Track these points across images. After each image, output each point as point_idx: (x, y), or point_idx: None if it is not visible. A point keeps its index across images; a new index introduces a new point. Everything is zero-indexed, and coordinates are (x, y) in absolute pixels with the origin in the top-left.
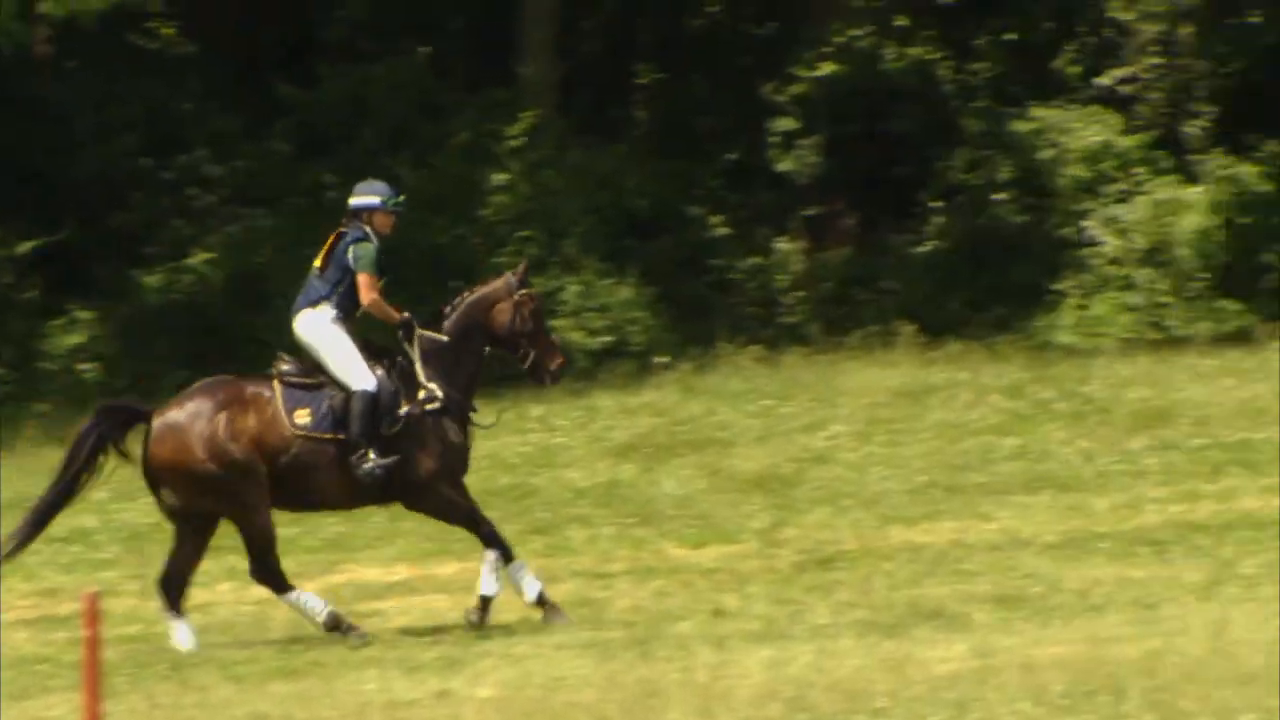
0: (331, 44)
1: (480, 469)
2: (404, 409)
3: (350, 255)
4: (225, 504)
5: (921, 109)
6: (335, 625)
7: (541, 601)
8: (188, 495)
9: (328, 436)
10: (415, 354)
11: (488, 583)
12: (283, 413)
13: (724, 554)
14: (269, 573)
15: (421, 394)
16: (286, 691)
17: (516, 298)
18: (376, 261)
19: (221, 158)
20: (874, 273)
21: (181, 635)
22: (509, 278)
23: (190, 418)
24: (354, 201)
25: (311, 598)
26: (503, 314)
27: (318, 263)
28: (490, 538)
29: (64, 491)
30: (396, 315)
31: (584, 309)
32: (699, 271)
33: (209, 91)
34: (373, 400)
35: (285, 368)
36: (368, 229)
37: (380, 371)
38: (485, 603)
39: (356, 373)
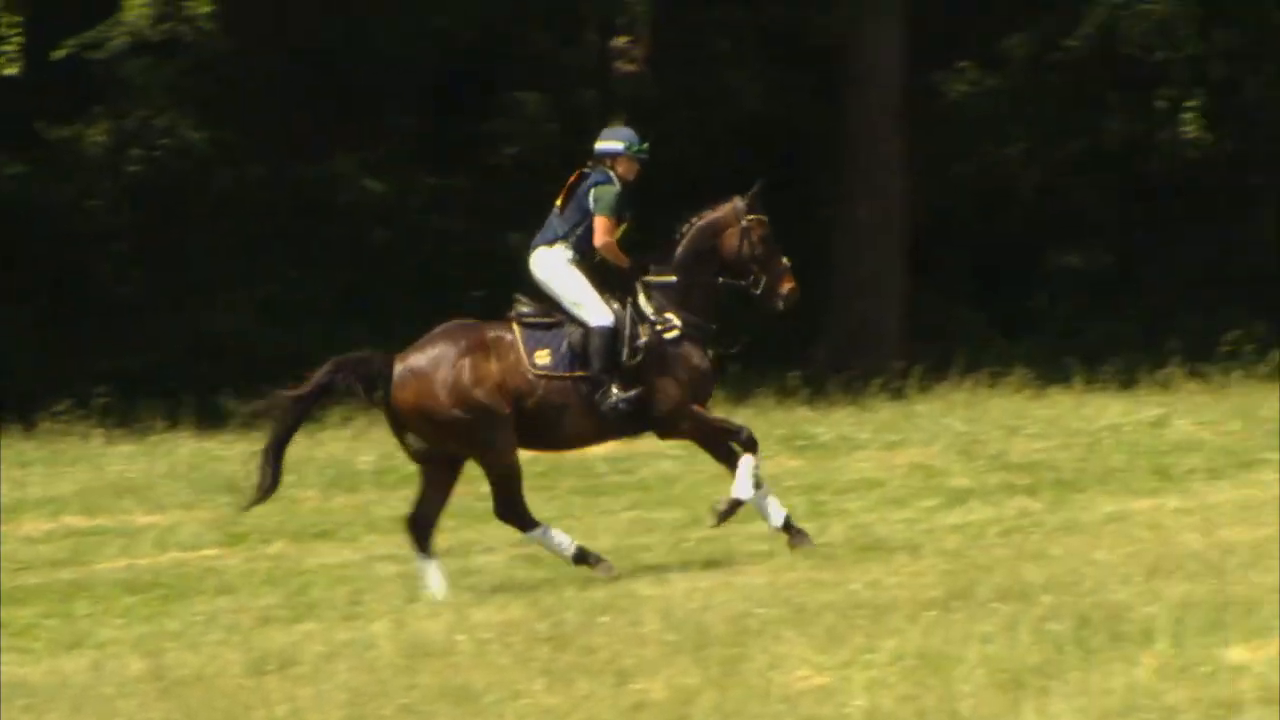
0: None
1: None
2: (642, 339)
3: (591, 197)
4: (470, 446)
5: None
6: (583, 559)
7: (788, 528)
8: (433, 438)
9: (570, 375)
10: (643, 300)
11: (742, 486)
12: (524, 355)
13: None
14: (515, 512)
15: (659, 325)
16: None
17: (744, 223)
18: (616, 205)
19: None
20: None
21: (432, 577)
22: (736, 203)
23: (433, 363)
24: (599, 146)
25: (558, 534)
26: (731, 239)
27: (558, 202)
28: (750, 442)
29: (289, 428)
30: (625, 261)
31: None
32: None
33: None
34: (611, 335)
35: (524, 309)
36: (611, 173)
37: (616, 305)
38: (735, 505)
39: (593, 308)
